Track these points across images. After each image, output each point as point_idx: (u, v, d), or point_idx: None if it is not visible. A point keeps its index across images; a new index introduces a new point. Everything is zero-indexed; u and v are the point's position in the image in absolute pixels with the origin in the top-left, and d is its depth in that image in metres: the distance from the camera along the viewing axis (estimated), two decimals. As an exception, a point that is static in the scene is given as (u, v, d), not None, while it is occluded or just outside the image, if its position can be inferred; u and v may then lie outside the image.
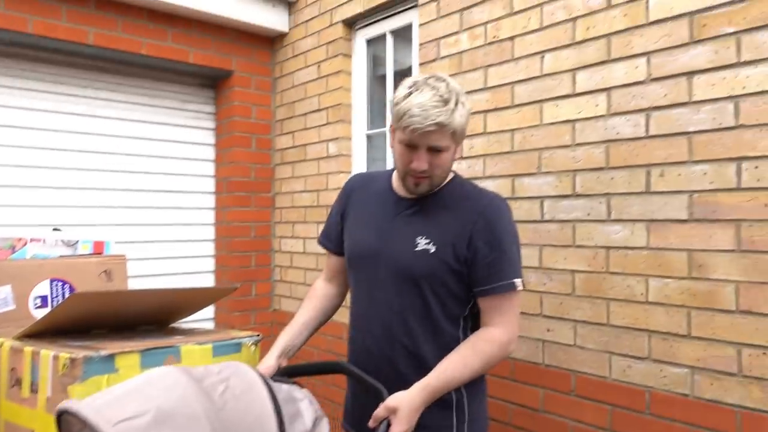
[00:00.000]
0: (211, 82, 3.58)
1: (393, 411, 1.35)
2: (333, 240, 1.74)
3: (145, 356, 1.53)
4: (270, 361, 1.60)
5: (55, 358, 1.47)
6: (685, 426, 1.73)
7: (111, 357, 1.47)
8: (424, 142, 1.41)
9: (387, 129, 1.55)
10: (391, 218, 1.56)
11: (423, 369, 1.45)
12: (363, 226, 1.62)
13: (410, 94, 1.41)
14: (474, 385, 1.51)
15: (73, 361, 1.43)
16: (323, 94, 3.25)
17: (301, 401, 1.31)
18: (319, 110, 3.27)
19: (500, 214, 1.51)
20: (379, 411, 1.36)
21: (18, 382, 1.60)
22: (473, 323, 1.55)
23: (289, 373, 1.57)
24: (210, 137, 3.61)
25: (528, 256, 2.17)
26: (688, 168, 1.76)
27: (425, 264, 1.47)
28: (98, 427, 0.96)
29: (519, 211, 2.21)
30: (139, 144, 3.30)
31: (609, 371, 1.92)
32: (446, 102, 1.39)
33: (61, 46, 2.91)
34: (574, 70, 2.06)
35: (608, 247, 1.93)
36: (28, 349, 1.56)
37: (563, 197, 2.07)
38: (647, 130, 1.85)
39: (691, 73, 1.76)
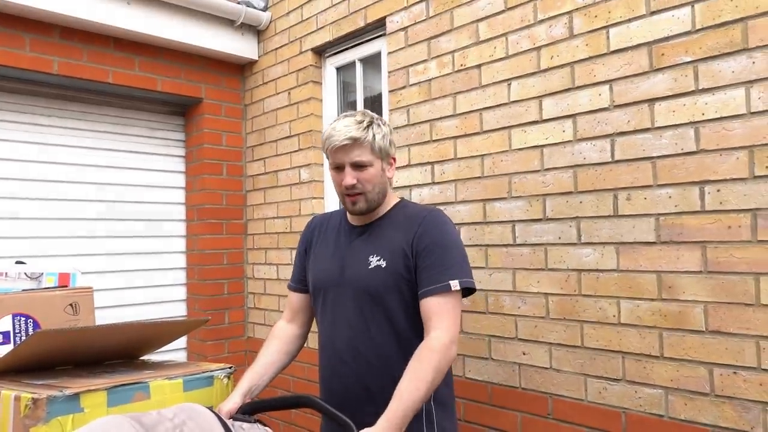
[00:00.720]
0: (181, 110, 3.55)
1: None
2: (302, 280, 1.81)
3: (112, 394, 1.47)
4: (235, 398, 1.59)
5: (17, 398, 1.40)
6: (661, 447, 1.74)
7: (76, 396, 1.41)
8: (346, 159, 1.56)
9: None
10: (346, 245, 1.67)
11: (393, 385, 1.44)
12: (323, 258, 1.72)
13: (330, 124, 1.60)
14: (443, 399, 1.58)
15: (35, 401, 1.37)
16: (294, 120, 3.25)
17: None
18: (290, 137, 3.27)
19: (439, 221, 1.60)
20: None
21: (-23, 425, 1.52)
22: None
23: (253, 409, 1.53)
24: (180, 164, 3.57)
25: (501, 280, 2.18)
26: (653, 192, 1.80)
27: (380, 279, 1.56)
28: None
29: (491, 235, 2.23)
30: (108, 173, 3.24)
31: (585, 393, 1.93)
32: (360, 122, 1.57)
33: (25, 76, 2.86)
34: (540, 97, 2.11)
35: (580, 270, 1.96)
36: (-11, 389, 1.50)
37: (534, 221, 2.10)
38: (613, 155, 1.90)
39: (652, 100, 1.82)
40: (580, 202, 1.97)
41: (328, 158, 1.63)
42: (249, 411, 1.52)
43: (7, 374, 1.62)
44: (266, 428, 1.30)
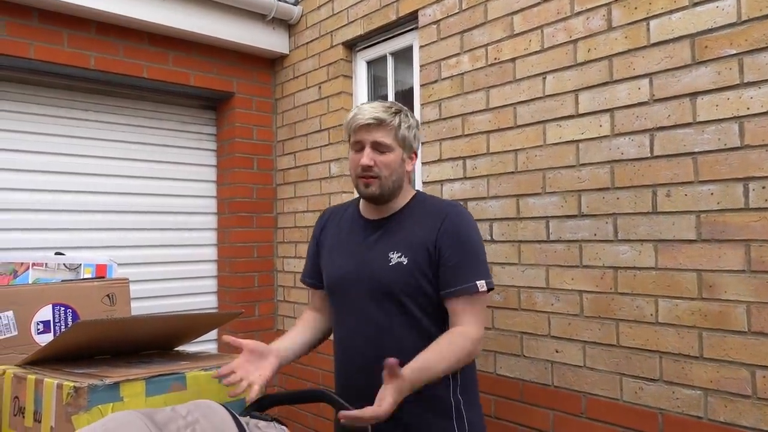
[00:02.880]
0: (212, 104, 3.59)
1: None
2: (314, 276, 1.79)
3: (150, 384, 1.50)
4: (271, 359, 1.54)
5: (59, 386, 1.44)
6: (699, 449, 1.70)
7: (116, 385, 1.44)
8: (367, 138, 1.54)
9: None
10: (362, 240, 1.63)
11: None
12: (337, 254, 1.68)
13: (357, 107, 1.59)
14: (469, 392, 1.57)
15: (77, 390, 1.40)
16: (324, 114, 3.26)
17: None
18: (320, 131, 3.28)
19: (462, 217, 1.58)
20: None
21: (21, 411, 1.57)
22: None
23: (270, 402, 1.50)
24: (211, 158, 3.61)
25: (534, 277, 2.16)
26: (694, 188, 1.75)
27: (401, 276, 1.52)
28: None
29: (525, 231, 2.20)
30: (141, 166, 3.30)
31: (620, 393, 1.90)
32: (387, 107, 1.56)
33: (62, 71, 2.92)
34: (576, 91, 2.07)
35: (616, 268, 1.92)
36: (32, 377, 1.54)
37: (569, 217, 2.07)
38: (652, 150, 1.86)
39: (694, 94, 1.77)
40: (617, 198, 1.93)
41: (349, 139, 1.60)
42: (265, 405, 1.49)
43: (47, 363, 1.67)
44: (282, 427, 1.28)
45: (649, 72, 1.87)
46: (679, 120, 1.80)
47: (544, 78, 2.17)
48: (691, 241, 1.75)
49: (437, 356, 1.41)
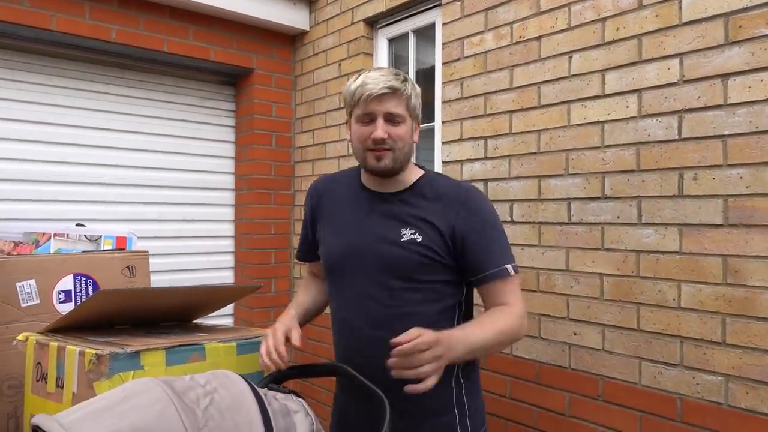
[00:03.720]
0: (232, 80, 3.57)
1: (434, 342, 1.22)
2: (309, 251, 1.71)
3: (170, 353, 1.51)
4: (294, 323, 1.56)
5: (81, 354, 1.45)
6: (718, 435, 1.69)
7: (137, 354, 1.45)
8: (380, 109, 1.42)
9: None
10: (367, 214, 1.52)
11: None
12: (337, 228, 1.57)
13: (359, 76, 1.47)
14: (470, 379, 1.52)
15: (99, 357, 1.41)
16: (344, 92, 3.23)
17: (296, 413, 1.19)
18: (339, 108, 3.26)
19: (481, 200, 1.51)
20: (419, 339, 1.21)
21: (44, 377, 1.59)
22: (466, 311, 1.54)
23: (286, 375, 1.49)
24: (230, 134, 3.61)
25: (554, 259, 2.14)
26: (723, 172, 1.71)
27: (414, 253, 1.43)
28: None
29: (545, 212, 2.17)
30: (160, 141, 3.31)
31: (639, 377, 1.89)
32: (396, 75, 1.45)
33: (84, 44, 2.92)
34: (603, 71, 2.02)
35: (639, 251, 1.90)
36: (54, 344, 1.56)
37: (592, 199, 2.04)
38: (680, 133, 1.82)
39: (726, 75, 1.72)
40: (642, 181, 1.90)
41: (353, 111, 1.47)
42: (282, 377, 1.48)
43: (69, 331, 1.69)
44: (300, 400, 1.27)
45: (680, 52, 1.82)
46: (710, 101, 1.75)
47: (570, 57, 2.12)
48: (717, 226, 1.72)
49: (480, 329, 1.37)
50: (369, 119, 1.44)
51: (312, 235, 1.67)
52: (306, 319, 1.66)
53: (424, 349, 1.19)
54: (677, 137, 1.82)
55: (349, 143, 1.55)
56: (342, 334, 1.57)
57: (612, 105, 1.99)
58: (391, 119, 1.43)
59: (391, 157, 1.44)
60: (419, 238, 1.43)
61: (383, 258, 1.45)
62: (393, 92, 1.41)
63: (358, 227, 1.52)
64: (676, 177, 1.82)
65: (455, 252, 1.45)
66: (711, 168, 1.74)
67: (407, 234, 1.44)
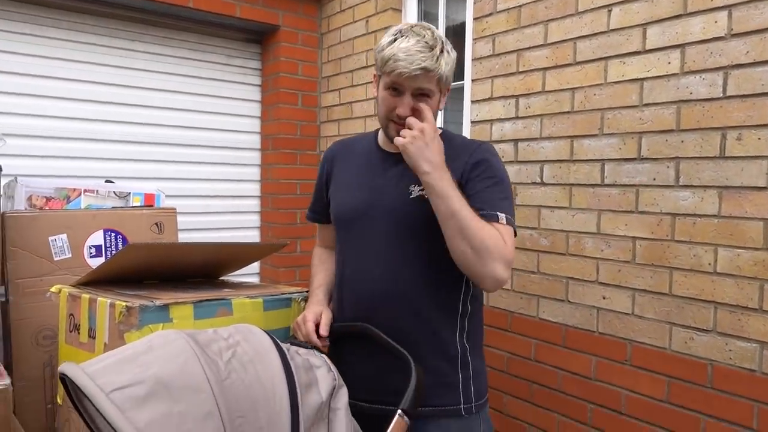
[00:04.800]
0: (258, 37, 3.52)
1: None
2: (320, 212, 1.71)
3: (198, 307, 1.53)
4: (324, 304, 1.58)
5: (112, 305, 1.48)
6: (751, 402, 1.65)
7: (166, 307, 1.47)
8: (410, 85, 1.39)
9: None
10: (380, 173, 1.52)
11: (424, 323, 1.43)
12: (350, 186, 1.57)
13: (395, 40, 1.39)
14: (475, 341, 1.51)
15: (129, 309, 1.44)
16: (371, 50, 3.16)
17: (318, 368, 1.19)
18: (366, 67, 3.19)
19: (491, 156, 1.47)
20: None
21: (76, 328, 1.63)
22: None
23: None
24: (256, 93, 3.58)
25: (585, 221, 2.09)
26: (769, 131, 1.63)
27: (422, 210, 1.40)
28: (91, 395, 0.91)
29: (577, 174, 2.11)
30: (186, 99, 3.30)
31: (669, 342, 1.85)
32: (432, 48, 1.37)
33: (109, -2, 2.90)
34: (644, 25, 1.93)
35: (675, 214, 1.84)
36: (86, 296, 1.59)
37: (627, 160, 1.97)
38: (725, 90, 1.73)
39: (778, 28, 1.62)
40: (682, 141, 1.82)
41: (381, 75, 1.44)
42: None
43: (100, 284, 1.72)
44: (323, 356, 1.27)
45: (729, 3, 1.72)
46: (759, 57, 1.65)
47: (610, 10, 2.02)
48: (760, 189, 1.65)
49: (473, 215, 1.32)
50: (397, 92, 1.42)
51: (325, 196, 1.68)
52: (331, 298, 1.67)
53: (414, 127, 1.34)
54: (721, 95, 1.73)
55: (375, 101, 1.52)
56: (350, 289, 1.56)
57: (653, 61, 1.90)
58: (419, 93, 1.41)
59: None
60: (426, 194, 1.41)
61: (391, 216, 1.45)
62: (424, 73, 1.37)
63: (370, 185, 1.53)
64: (718, 137, 1.74)
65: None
66: (757, 128, 1.66)
67: (416, 191, 1.44)
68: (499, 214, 1.37)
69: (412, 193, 1.45)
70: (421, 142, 1.33)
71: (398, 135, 1.41)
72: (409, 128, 1.36)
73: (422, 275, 1.44)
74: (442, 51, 1.40)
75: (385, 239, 1.47)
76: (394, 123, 1.44)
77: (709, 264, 1.75)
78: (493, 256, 1.30)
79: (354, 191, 1.55)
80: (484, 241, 1.30)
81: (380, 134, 1.58)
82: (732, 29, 1.71)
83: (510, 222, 1.39)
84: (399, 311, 1.45)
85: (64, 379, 1.01)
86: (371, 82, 3.14)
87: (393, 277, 1.46)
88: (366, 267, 1.50)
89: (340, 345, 1.59)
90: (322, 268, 1.72)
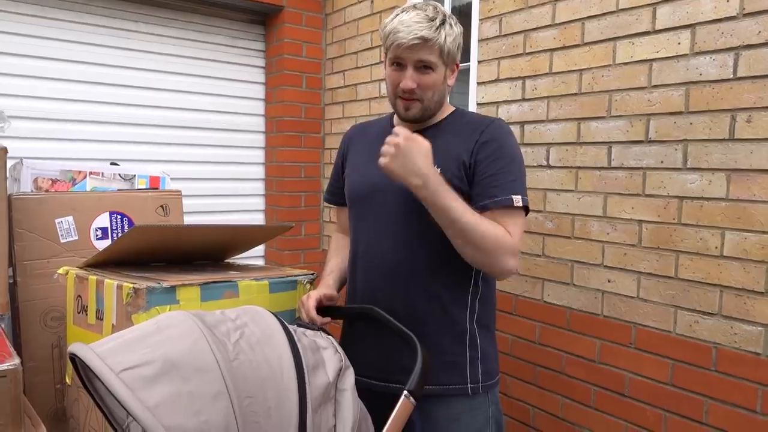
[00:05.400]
0: (261, 18, 3.49)
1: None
2: (338, 193, 1.72)
3: (204, 289, 1.54)
4: (329, 283, 1.62)
5: (119, 287, 1.49)
6: (755, 385, 1.66)
7: (173, 288, 1.48)
8: (410, 57, 1.41)
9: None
10: None
11: (434, 300, 1.44)
12: (364, 165, 1.59)
13: (396, 16, 1.44)
14: (486, 324, 1.51)
15: (136, 290, 1.44)
16: (376, 31, 3.13)
17: (325, 350, 1.21)
18: (371, 48, 3.16)
19: (504, 132, 1.47)
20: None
21: (84, 309, 1.64)
22: None
23: (318, 313, 1.51)
24: (260, 75, 3.55)
25: (591, 204, 2.08)
26: (779, 113, 1.61)
27: None
28: (101, 374, 0.92)
29: (584, 156, 2.10)
30: (190, 81, 3.28)
31: (674, 326, 1.85)
32: (432, 19, 1.40)
33: (113, -22, 2.87)
34: (654, 5, 1.90)
35: (682, 197, 1.83)
36: (93, 277, 1.60)
37: (634, 143, 1.95)
38: (735, 71, 1.70)
39: (791, 8, 1.59)
40: (690, 124, 1.81)
41: (386, 52, 1.47)
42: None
43: (107, 266, 1.73)
44: (329, 337, 1.28)
45: (741, -18, 1.69)
46: (771, 37, 1.63)
47: (619, -10, 1.99)
48: (769, 171, 1.63)
49: (473, 215, 1.33)
50: (400, 66, 1.44)
51: (342, 179, 1.70)
52: (342, 284, 1.69)
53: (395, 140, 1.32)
54: (732, 76, 1.71)
55: (386, 83, 1.53)
56: (363, 266, 1.58)
57: (662, 42, 1.87)
58: (422, 67, 1.42)
59: (419, 107, 1.46)
60: (437, 171, 1.40)
61: (402, 193, 1.44)
62: (423, 42, 1.39)
63: None
64: (728, 119, 1.72)
65: (469, 179, 1.43)
66: (767, 110, 1.64)
67: None
68: (513, 197, 1.39)
69: None
70: (401, 157, 1.32)
71: (405, 111, 1.47)
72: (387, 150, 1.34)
73: (433, 252, 1.45)
74: (443, 23, 1.41)
75: (396, 217, 1.49)
76: (401, 99, 1.46)
77: (716, 247, 1.74)
78: (499, 252, 1.35)
79: (367, 170, 1.55)
80: (489, 242, 1.33)
81: (395, 116, 1.59)
82: (744, 8, 1.68)
83: (524, 202, 1.41)
84: (409, 287, 1.47)
85: (74, 359, 1.02)
86: (376, 63, 3.13)
87: (404, 254, 1.48)
88: (377, 243, 1.53)
89: (351, 324, 1.60)
90: (336, 254, 1.75)
